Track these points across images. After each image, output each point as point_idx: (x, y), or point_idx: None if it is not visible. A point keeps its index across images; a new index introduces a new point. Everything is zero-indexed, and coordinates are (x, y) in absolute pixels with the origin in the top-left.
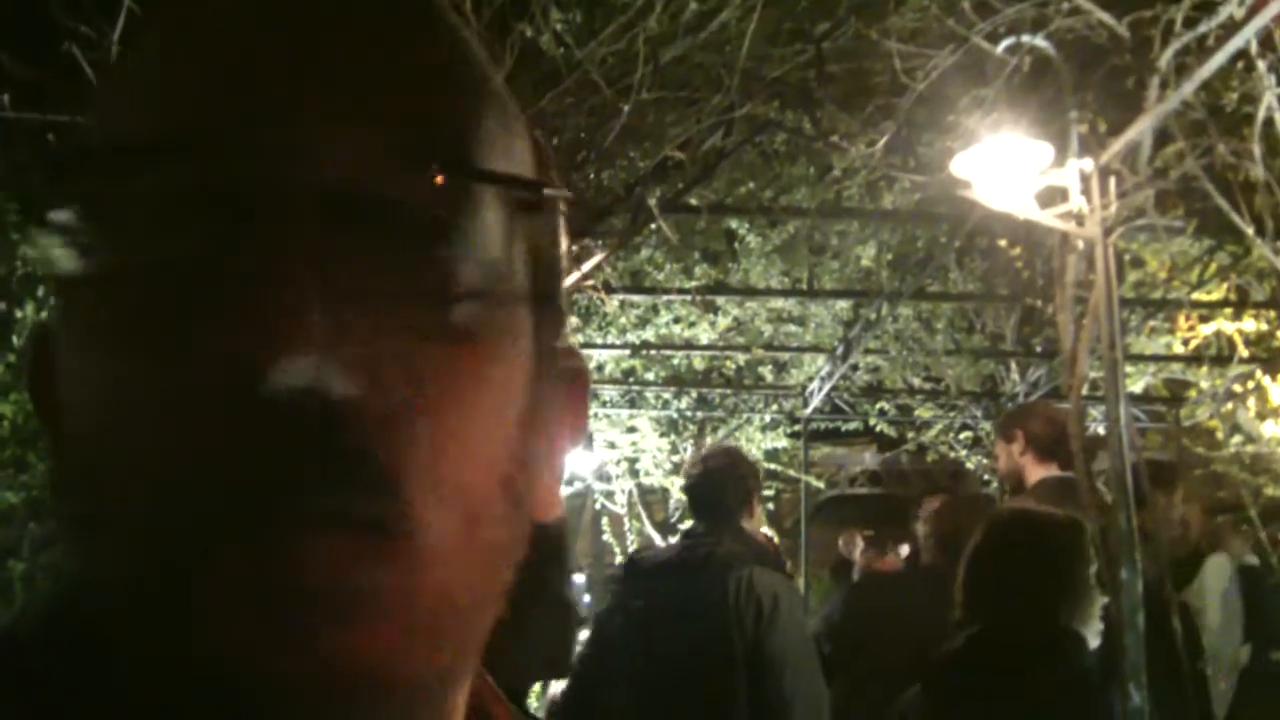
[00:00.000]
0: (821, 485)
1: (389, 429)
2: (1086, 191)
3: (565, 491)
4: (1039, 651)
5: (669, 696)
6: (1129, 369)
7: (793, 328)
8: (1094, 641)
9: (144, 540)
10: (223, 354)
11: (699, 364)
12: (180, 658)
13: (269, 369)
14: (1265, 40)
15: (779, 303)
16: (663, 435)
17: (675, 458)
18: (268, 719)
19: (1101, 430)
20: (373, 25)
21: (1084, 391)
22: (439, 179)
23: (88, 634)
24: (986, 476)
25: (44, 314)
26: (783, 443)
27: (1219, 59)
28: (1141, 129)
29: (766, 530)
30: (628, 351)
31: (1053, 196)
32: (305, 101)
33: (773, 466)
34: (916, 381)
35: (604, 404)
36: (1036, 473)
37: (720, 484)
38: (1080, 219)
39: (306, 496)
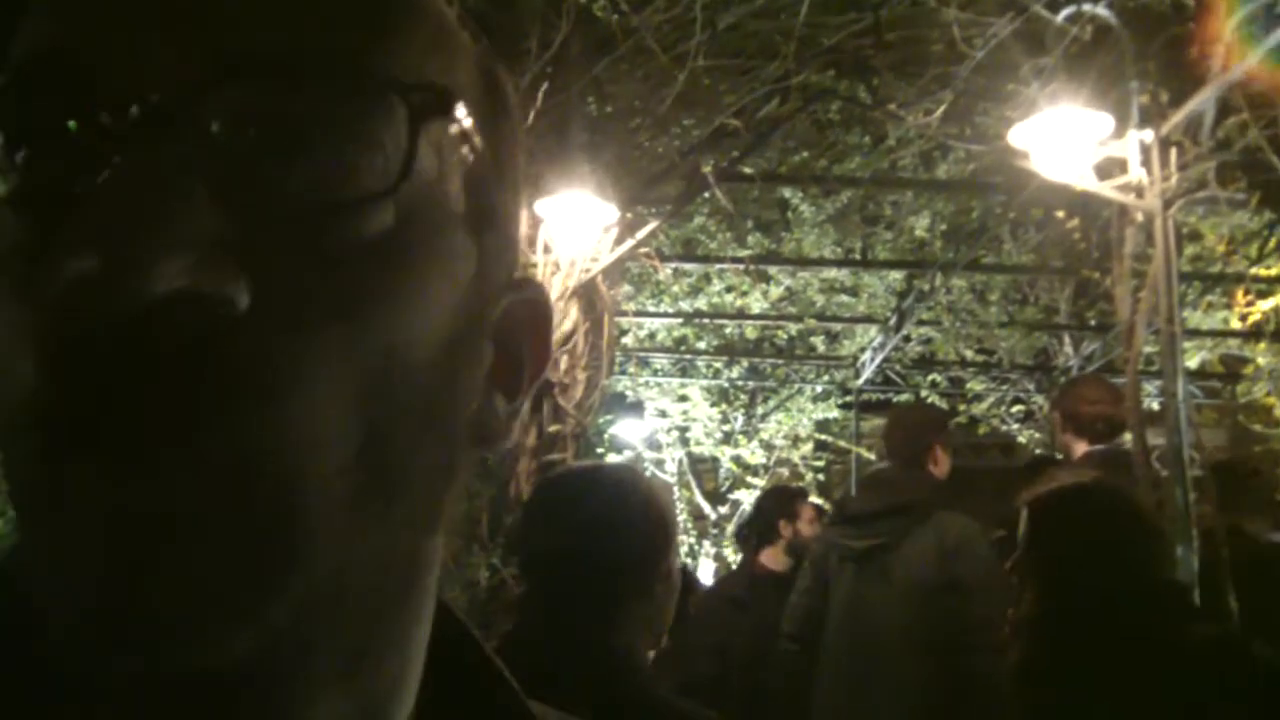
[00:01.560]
0: (873, 457)
1: (273, 347)
2: (1146, 163)
3: (614, 459)
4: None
5: (879, 618)
6: (1185, 344)
7: (845, 298)
8: None
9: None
10: (72, 272)
11: (751, 333)
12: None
13: (117, 276)
14: None
15: (832, 273)
16: (714, 404)
17: (725, 427)
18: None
19: (1156, 406)
20: None
21: (1139, 366)
22: (323, 85)
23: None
24: (1039, 450)
25: None
26: (834, 414)
27: None
28: (1204, 99)
29: (817, 500)
30: (679, 320)
31: (1111, 168)
32: (173, 18)
33: (823, 438)
34: (969, 354)
35: (655, 372)
36: (1078, 449)
37: (901, 433)
38: (1139, 191)
39: (150, 424)
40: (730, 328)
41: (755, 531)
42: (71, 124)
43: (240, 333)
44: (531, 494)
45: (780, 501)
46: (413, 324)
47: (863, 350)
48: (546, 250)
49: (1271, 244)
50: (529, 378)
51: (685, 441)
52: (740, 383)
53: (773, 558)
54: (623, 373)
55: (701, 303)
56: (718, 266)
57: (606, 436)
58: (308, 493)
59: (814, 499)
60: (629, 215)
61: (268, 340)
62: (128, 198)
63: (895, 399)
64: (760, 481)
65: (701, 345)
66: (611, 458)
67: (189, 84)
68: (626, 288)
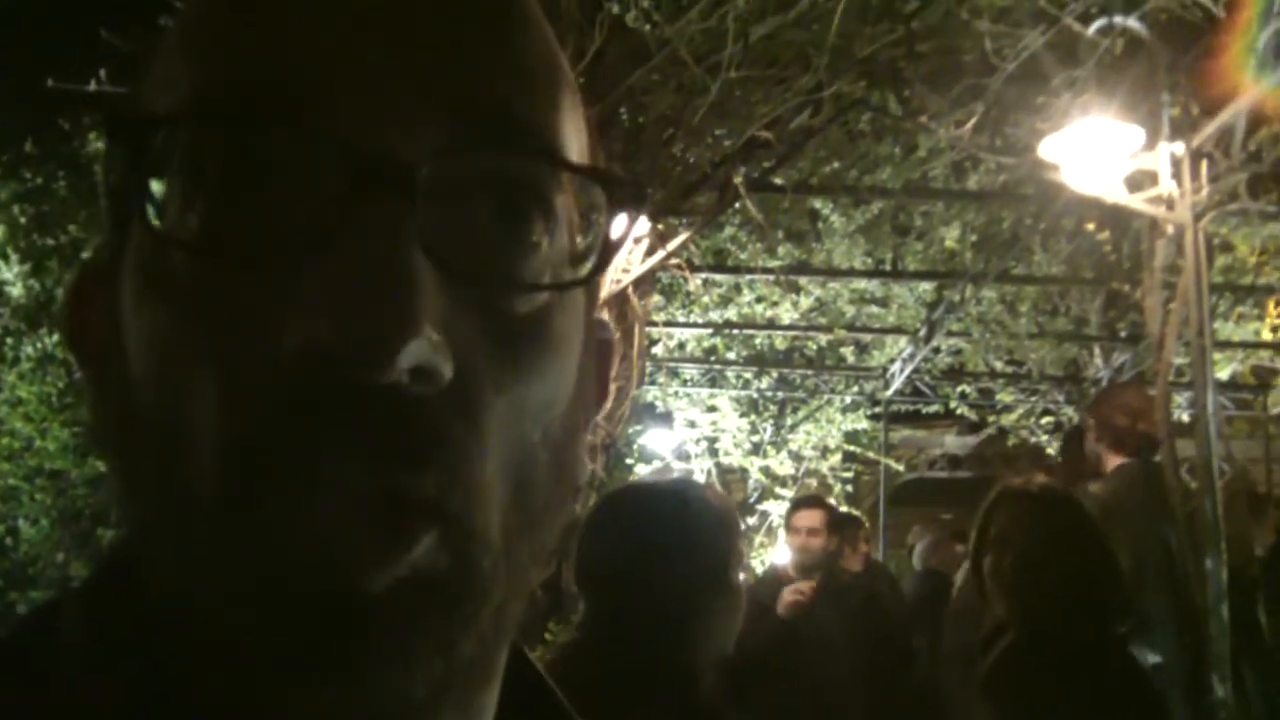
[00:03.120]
0: (901, 468)
1: (466, 412)
2: (1177, 175)
3: (644, 470)
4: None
5: None
6: (1216, 355)
7: (875, 309)
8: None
9: (198, 499)
10: (323, 324)
11: (780, 344)
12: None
13: (372, 349)
14: None
15: (862, 283)
16: (743, 415)
17: (754, 438)
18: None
19: (1186, 418)
20: (471, 20)
21: (1169, 377)
22: (541, 166)
23: (135, 584)
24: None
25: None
26: (863, 424)
27: None
28: (1236, 111)
29: (846, 508)
30: (709, 330)
31: (1142, 179)
32: (399, 73)
33: (852, 449)
34: (999, 365)
35: (685, 382)
36: (1112, 461)
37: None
38: (1170, 203)
39: (380, 472)
40: (760, 338)
41: None
42: (305, 168)
43: (440, 400)
44: (593, 510)
45: (787, 513)
46: (556, 387)
47: (892, 361)
48: None
49: None
50: (591, 417)
51: (714, 452)
52: (769, 393)
53: (793, 565)
54: (652, 383)
55: (731, 313)
56: (748, 277)
57: (635, 447)
58: (489, 534)
59: (844, 508)
60: (660, 226)
61: (458, 408)
62: (377, 270)
63: (924, 410)
64: (789, 493)
65: (731, 356)
66: (640, 469)
67: (433, 148)
68: (657, 298)
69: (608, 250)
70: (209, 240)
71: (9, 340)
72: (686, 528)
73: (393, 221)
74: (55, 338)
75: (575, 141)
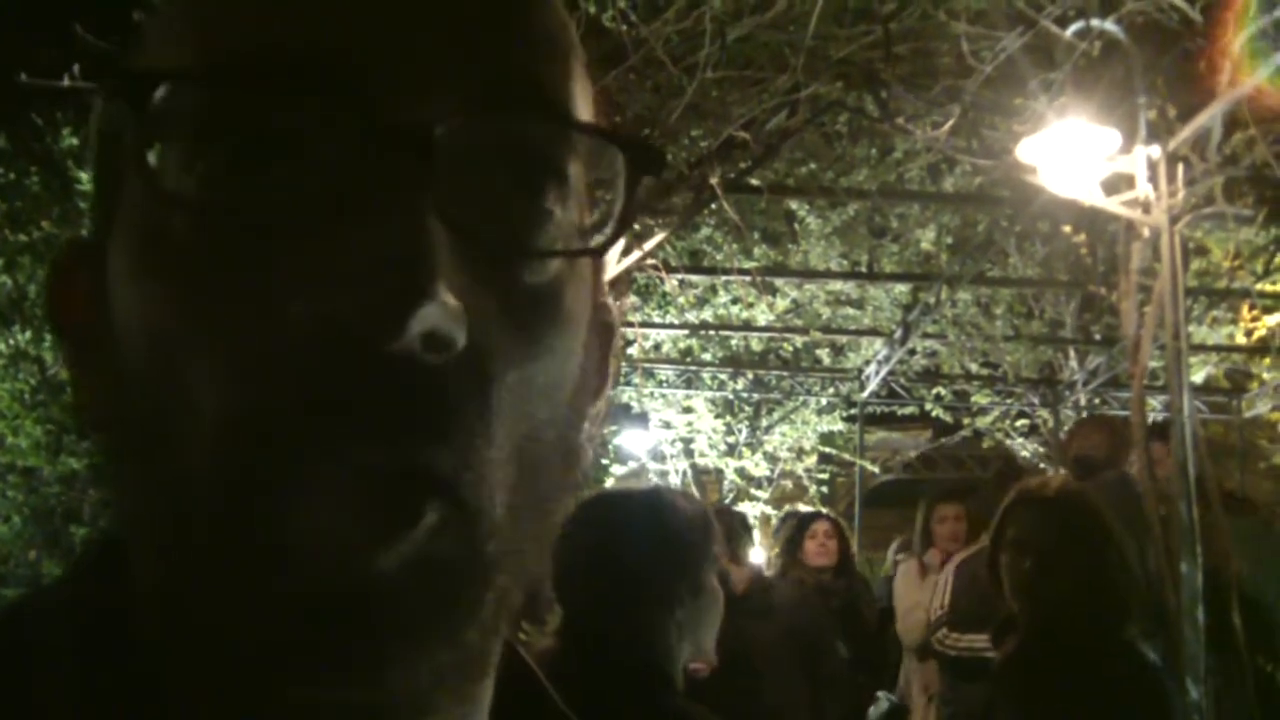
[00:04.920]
0: (876, 470)
1: (478, 384)
2: (1154, 178)
3: (620, 471)
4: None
5: None
6: (1190, 359)
7: (851, 310)
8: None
9: (223, 468)
10: (337, 291)
11: (756, 345)
12: (260, 567)
13: (385, 314)
14: None
15: (838, 285)
16: (718, 416)
17: (730, 439)
18: (345, 619)
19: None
20: None
21: (1144, 381)
22: (558, 131)
23: (126, 577)
24: (1042, 465)
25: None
26: (839, 426)
27: None
28: (1212, 115)
29: (819, 507)
30: (685, 331)
31: (1118, 183)
32: (424, 43)
33: (827, 450)
34: (974, 367)
35: (660, 383)
36: None
37: None
38: (1146, 206)
39: (393, 446)
40: (736, 339)
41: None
42: (345, 129)
43: (452, 372)
44: (569, 516)
45: None
46: (565, 364)
47: (868, 363)
48: None
49: (1277, 259)
50: (592, 403)
51: (689, 453)
52: (745, 394)
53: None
54: (628, 384)
55: (707, 314)
56: (724, 278)
57: (611, 448)
58: (495, 516)
59: (809, 507)
60: (636, 226)
61: (470, 381)
62: (391, 235)
63: (900, 412)
64: (764, 494)
65: (707, 357)
66: (616, 469)
67: (461, 114)
68: (633, 298)
69: (628, 216)
70: (220, 204)
71: None
72: (661, 535)
73: (409, 185)
74: (28, 334)
75: (585, 110)
